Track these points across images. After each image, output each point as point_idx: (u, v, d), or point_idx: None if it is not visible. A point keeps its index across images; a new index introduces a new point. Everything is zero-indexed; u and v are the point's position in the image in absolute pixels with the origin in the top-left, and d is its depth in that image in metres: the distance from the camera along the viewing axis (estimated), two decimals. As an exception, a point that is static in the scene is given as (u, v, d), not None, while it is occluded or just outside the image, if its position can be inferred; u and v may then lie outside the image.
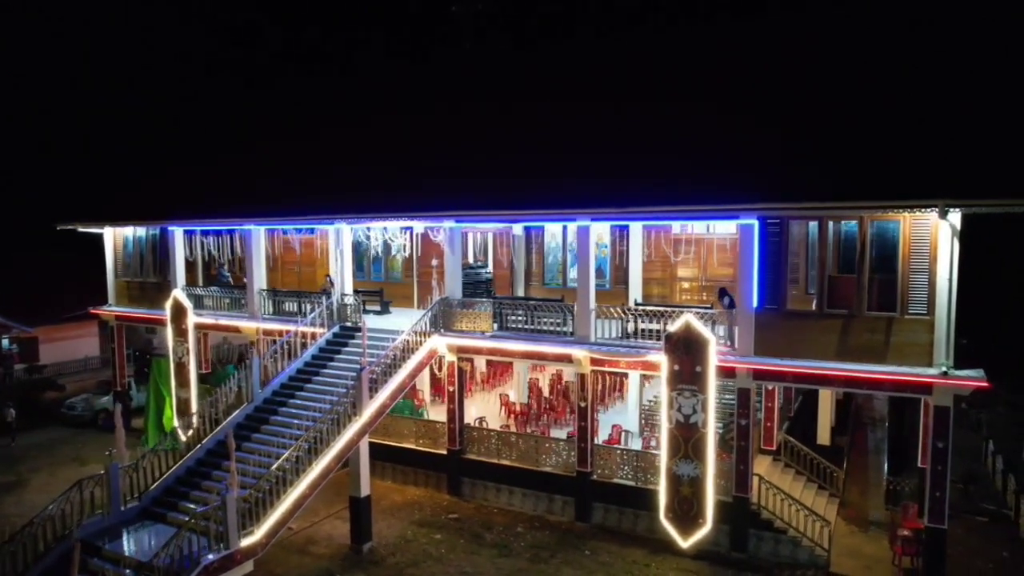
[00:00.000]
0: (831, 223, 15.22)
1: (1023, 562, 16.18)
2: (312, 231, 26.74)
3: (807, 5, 18.60)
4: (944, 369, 14.03)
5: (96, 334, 35.26)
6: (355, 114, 24.67)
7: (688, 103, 18.18)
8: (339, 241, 21.43)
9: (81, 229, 26.59)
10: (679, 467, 16.09)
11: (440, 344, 19.29)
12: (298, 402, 18.10)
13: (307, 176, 22.97)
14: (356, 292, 21.86)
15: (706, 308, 17.25)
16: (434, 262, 22.60)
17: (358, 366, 18.34)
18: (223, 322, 23.65)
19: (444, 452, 20.08)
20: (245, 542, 13.63)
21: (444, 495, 20.06)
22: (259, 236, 23.38)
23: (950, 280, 14.05)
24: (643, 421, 20.76)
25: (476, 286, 26.04)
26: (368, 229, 23.02)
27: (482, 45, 24.75)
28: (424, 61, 27.90)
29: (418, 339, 18.56)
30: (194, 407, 23.64)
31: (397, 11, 35.68)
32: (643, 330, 17.38)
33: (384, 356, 17.39)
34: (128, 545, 14.06)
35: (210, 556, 13.07)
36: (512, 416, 22.20)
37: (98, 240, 27.14)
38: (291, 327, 21.01)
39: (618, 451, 18.09)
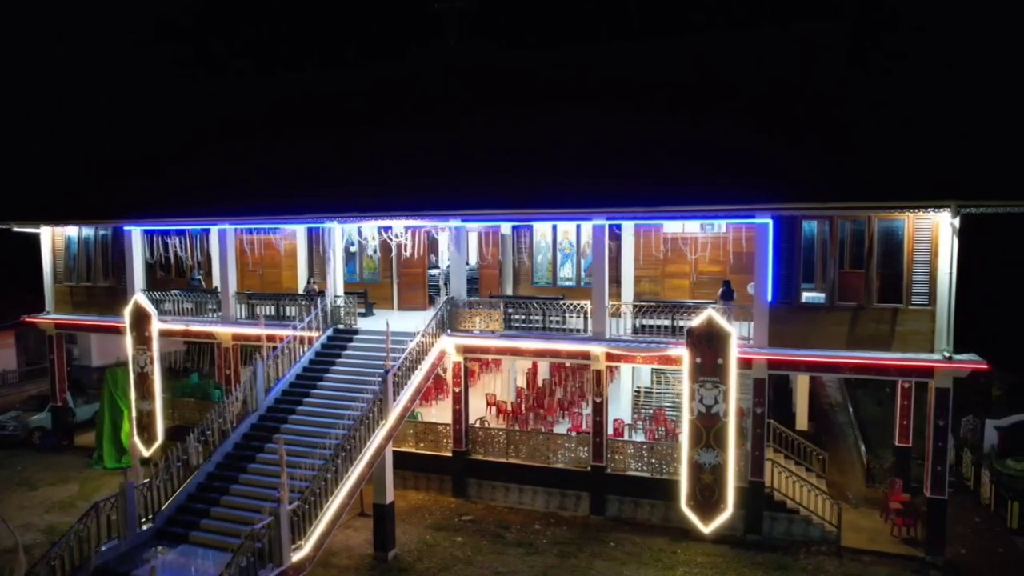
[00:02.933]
0: (841, 222, 16.37)
1: (993, 526, 18.02)
2: (276, 231, 25.57)
3: (812, 15, 19.73)
4: (947, 354, 15.45)
5: (13, 346, 31.94)
6: (343, 112, 23.76)
7: (695, 108, 18.91)
8: (331, 242, 20.65)
9: (16, 229, 24.08)
10: (701, 456, 16.76)
11: (448, 344, 19.05)
12: (308, 409, 17.37)
13: (291, 175, 21.90)
14: (347, 294, 21.15)
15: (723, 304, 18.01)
16: (443, 261, 22.23)
17: (370, 369, 18.01)
18: (195, 328, 22.18)
19: (449, 454, 19.82)
20: (295, 557, 13.00)
21: (449, 498, 19.80)
22: (233, 237, 22.15)
23: (950, 273, 15.48)
24: (635, 413, 21.39)
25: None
26: (338, 230, 22.24)
27: (467, 43, 24.45)
28: (403, 59, 27.21)
29: (430, 340, 18.26)
30: (159, 420, 22.15)
31: (378, 7, 34.90)
32: (655, 325, 17.97)
33: (404, 358, 16.98)
34: (164, 571, 13.02)
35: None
36: (502, 415, 22.19)
37: (33, 241, 24.71)
38: (272, 331, 20.18)
39: (633, 444, 18.56)
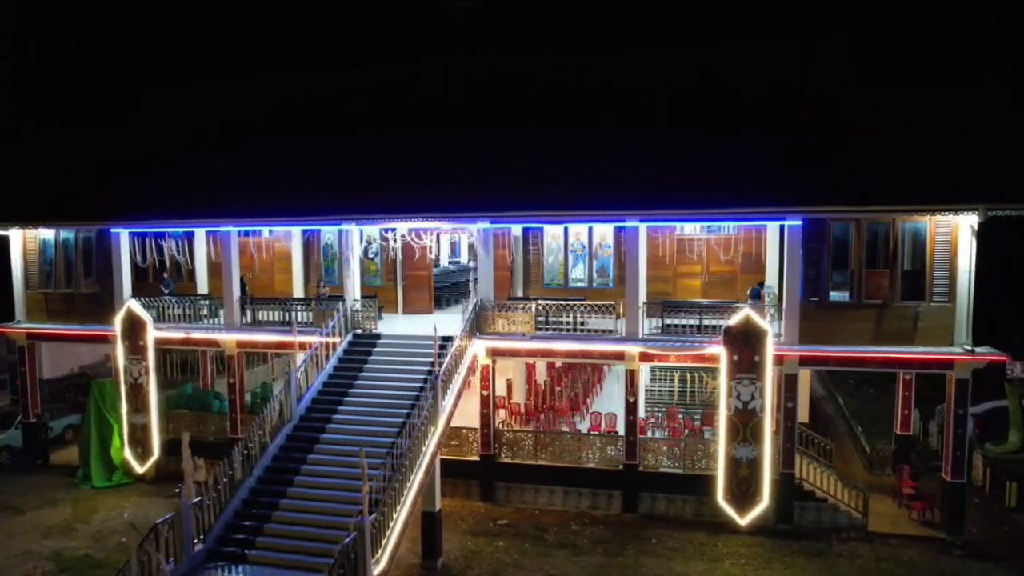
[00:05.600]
0: (867, 224, 17.23)
1: (992, 505, 19.38)
2: (257, 233, 24.61)
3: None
4: (968, 347, 16.54)
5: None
6: (354, 113, 23.02)
7: (719, 115, 19.45)
8: (349, 244, 20.04)
9: (-13, 232, 22.17)
10: (737, 451, 17.28)
11: (479, 347, 18.86)
12: (344, 417, 16.84)
13: (303, 176, 21.09)
14: (365, 298, 20.57)
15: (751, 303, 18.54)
16: (471, 263, 21.89)
17: (402, 374, 17.70)
18: (196, 335, 21.02)
19: (476, 458, 19.61)
20: (375, 571, 12.59)
21: (477, 502, 19.57)
22: (236, 240, 21.17)
23: (969, 271, 16.58)
24: (649, 410, 21.79)
25: (458, 287, 25.60)
26: (356, 232, 21.64)
27: (474, 45, 24.20)
28: (404, 60, 26.60)
29: (464, 343, 18.03)
30: (155, 433, 20.94)
31: (382, 8, 34.09)
32: (681, 325, 18.42)
33: (448, 363, 16.71)
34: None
35: (351, 591, 11.94)
36: (515, 417, 22.16)
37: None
38: (277, 337, 19.68)
39: (666, 441, 18.91)
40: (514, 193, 18.60)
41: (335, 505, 14.41)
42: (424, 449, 15.08)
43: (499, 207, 18.46)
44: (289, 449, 16.09)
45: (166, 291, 22.76)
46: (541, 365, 25.21)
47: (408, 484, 14.23)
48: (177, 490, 13.34)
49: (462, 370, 17.60)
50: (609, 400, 24.78)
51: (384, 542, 13.10)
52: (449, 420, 16.64)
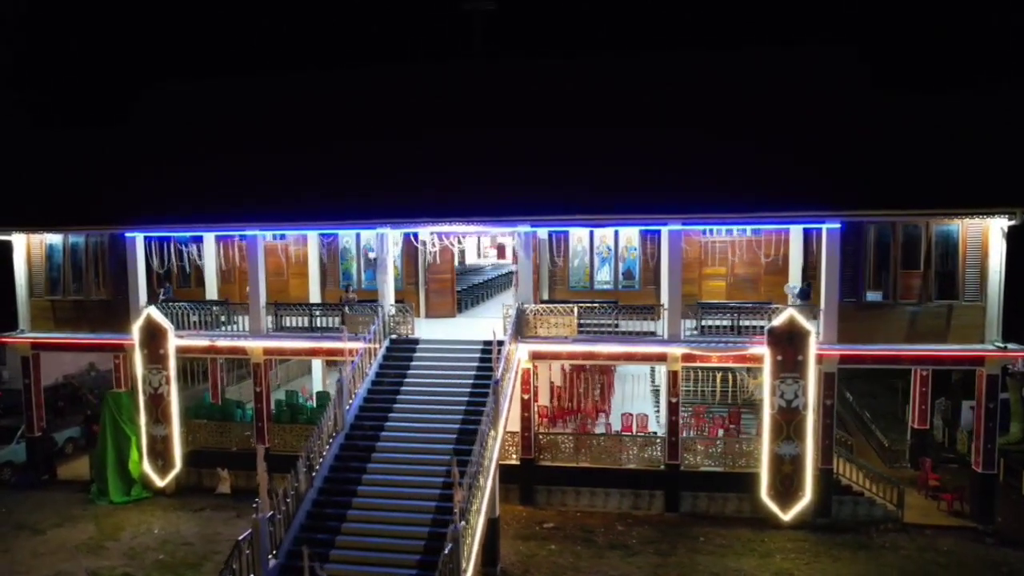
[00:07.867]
0: (902, 227, 17.85)
1: (1009, 494, 20.23)
2: (268, 237, 23.99)
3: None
4: (999, 344, 17.32)
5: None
6: (369, 115, 22.63)
7: (754, 124, 19.83)
8: (384, 247, 19.69)
9: (-10, 237, 20.99)
10: (781, 448, 17.72)
11: (521, 351, 18.81)
12: (397, 424, 16.56)
13: (334, 179, 20.65)
14: (398, 302, 20.27)
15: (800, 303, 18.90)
16: (513, 267, 21.72)
17: (450, 379, 17.54)
18: (222, 343, 20.33)
19: (516, 462, 19.56)
20: (465, 580, 12.46)
21: (518, 506, 19.52)
22: (262, 244, 20.61)
23: (1000, 272, 17.35)
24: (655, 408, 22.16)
25: (472, 290, 25.47)
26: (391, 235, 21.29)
27: (489, 48, 24.06)
28: (422, 62, 26.26)
29: (511, 347, 17.95)
30: (176, 445, 20.26)
31: (401, 9, 33.53)
32: (718, 326, 18.76)
33: (503, 368, 16.61)
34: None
35: (448, 601, 11.79)
36: (542, 420, 22.14)
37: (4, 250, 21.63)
38: (307, 344, 19.53)
39: (707, 441, 19.21)
40: (550, 196, 18.60)
41: (405, 515, 14.21)
42: (491, 455, 14.99)
43: (544, 211, 18.47)
44: (345, 459, 15.73)
45: (162, 298, 21.81)
46: (555, 367, 25.30)
47: (483, 491, 14.13)
48: (255, 504, 12.86)
49: (511, 374, 17.53)
50: (621, 401, 25.08)
51: (469, 550, 12.98)
52: (506, 425, 16.57)
